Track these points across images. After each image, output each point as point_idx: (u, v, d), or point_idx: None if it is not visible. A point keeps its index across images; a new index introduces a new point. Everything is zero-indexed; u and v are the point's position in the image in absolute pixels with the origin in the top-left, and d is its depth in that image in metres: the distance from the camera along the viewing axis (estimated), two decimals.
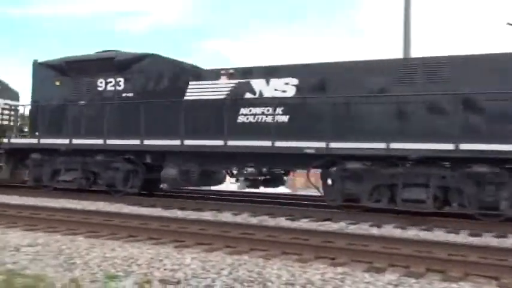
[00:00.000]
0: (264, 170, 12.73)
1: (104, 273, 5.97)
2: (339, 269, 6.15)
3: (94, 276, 5.87)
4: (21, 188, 15.84)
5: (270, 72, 12.48)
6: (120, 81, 14.34)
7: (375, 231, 9.56)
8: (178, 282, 5.62)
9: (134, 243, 7.80)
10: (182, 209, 12.20)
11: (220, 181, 15.05)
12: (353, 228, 9.82)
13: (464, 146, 9.93)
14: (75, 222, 9.51)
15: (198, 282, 5.60)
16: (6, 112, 16.89)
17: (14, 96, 17.57)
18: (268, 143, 11.69)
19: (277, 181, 13.63)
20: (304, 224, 10.37)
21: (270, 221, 10.57)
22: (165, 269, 6.15)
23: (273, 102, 12.11)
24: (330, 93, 11.60)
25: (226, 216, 11.21)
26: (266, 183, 13.21)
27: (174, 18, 55.19)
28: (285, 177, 14.32)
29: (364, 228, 9.90)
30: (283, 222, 10.54)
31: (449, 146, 10.05)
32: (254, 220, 10.78)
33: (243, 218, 11.14)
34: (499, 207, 9.89)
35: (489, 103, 10.17)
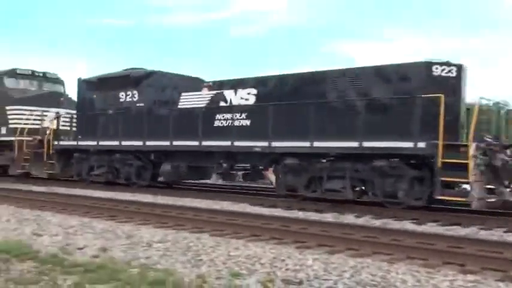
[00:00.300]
0: (239, 165, 15.58)
1: (228, 270, 6.19)
2: (469, 277, 5.79)
3: (219, 273, 6.10)
4: (155, 187, 16.97)
5: (237, 84, 14.96)
6: (135, 93, 17.43)
7: (511, 238, 8.85)
8: (300, 283, 5.65)
9: (257, 242, 7.99)
10: (302, 210, 12.26)
11: (208, 176, 18.06)
12: (484, 234, 9.19)
13: (366, 144, 11.88)
14: (201, 220, 9.96)
15: (320, 284, 5.59)
16: (67, 119, 20.09)
17: (74, 105, 20.52)
18: (228, 143, 14.36)
19: (255, 175, 16.01)
20: (430, 228, 9.91)
21: (395, 224, 10.26)
22: (287, 269, 6.22)
23: (239, 109, 14.58)
24: (277, 100, 13.79)
25: (348, 218, 11.06)
26: (245, 177, 16.08)
27: (291, 19, 55.49)
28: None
29: (497, 234, 9.22)
30: (407, 225, 10.17)
31: (355, 144, 12.01)
32: (377, 222, 10.52)
33: (366, 220, 10.92)
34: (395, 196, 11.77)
35: (389, 106, 12.05)
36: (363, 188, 12.78)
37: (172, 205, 12.40)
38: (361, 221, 10.82)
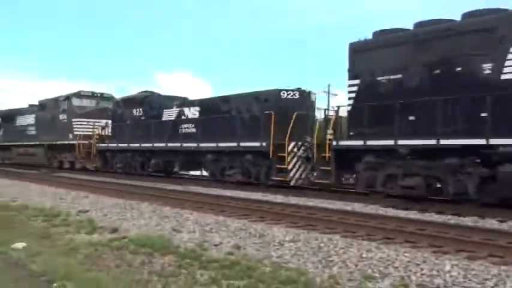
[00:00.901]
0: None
1: (360, 273, 6.12)
2: None
3: (351, 275, 6.06)
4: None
5: (190, 104, 21.93)
6: (140, 110, 24.38)
7: None
8: None
9: (390, 245, 7.79)
10: (440, 213, 11.67)
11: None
12: None
13: (241, 143, 18.27)
14: (333, 221, 9.94)
15: None
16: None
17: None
18: (178, 144, 21.19)
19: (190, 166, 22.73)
20: None
21: None
22: (422, 274, 6.01)
23: (190, 120, 21.15)
24: (206, 115, 20.53)
25: (491, 223, 10.31)
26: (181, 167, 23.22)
27: None
28: None
29: None
30: None
31: (234, 144, 18.54)
32: None
33: (511, 225, 10.09)
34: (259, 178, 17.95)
35: (252, 119, 18.50)
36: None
37: (303, 205, 12.52)
38: (505, 226, 10.02)
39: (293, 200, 14.21)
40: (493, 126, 11.31)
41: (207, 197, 14.37)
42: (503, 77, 11.39)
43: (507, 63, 11.35)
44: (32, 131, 32.63)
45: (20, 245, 7.82)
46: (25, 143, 32.74)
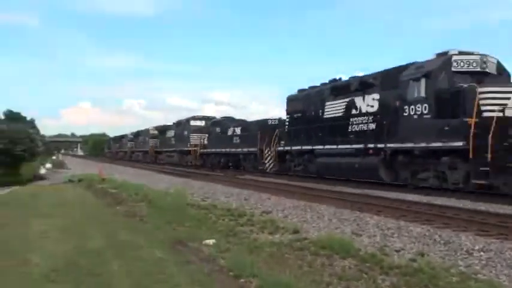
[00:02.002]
0: None
1: None
2: None
3: None
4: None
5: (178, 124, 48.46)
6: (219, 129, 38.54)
7: None
8: None
9: None
10: None
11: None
12: None
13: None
14: None
15: None
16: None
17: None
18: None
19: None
20: None
21: None
22: None
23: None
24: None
25: None
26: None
27: None
28: None
29: None
30: None
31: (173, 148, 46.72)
32: None
33: None
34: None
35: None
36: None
37: (494, 212, 11.52)
38: None
39: (483, 206, 13.16)
40: (318, 140, 22.82)
41: (387, 201, 14.03)
42: (324, 116, 22.61)
43: (325, 110, 22.50)
44: (172, 141, 48.67)
45: (210, 241, 8.52)
46: (169, 149, 49.30)
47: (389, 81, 18.08)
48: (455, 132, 14.71)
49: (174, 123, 51.39)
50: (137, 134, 66.37)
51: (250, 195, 16.37)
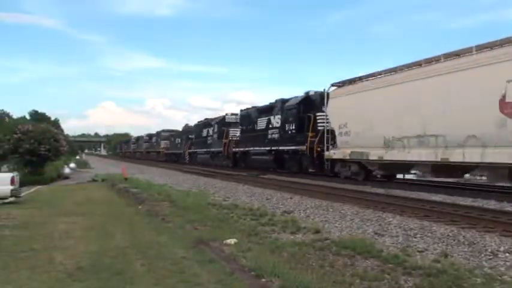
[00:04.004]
0: None
1: None
2: None
3: None
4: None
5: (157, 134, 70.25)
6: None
7: None
8: None
9: None
10: None
11: None
12: None
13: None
14: None
15: None
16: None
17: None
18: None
19: None
20: None
21: None
22: None
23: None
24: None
25: None
26: None
27: None
28: None
29: None
30: None
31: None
32: None
33: None
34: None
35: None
36: None
37: None
38: None
39: (509, 207, 12.94)
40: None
41: (410, 201, 13.91)
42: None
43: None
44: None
45: (232, 240, 8.57)
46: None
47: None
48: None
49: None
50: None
51: (272, 195, 16.40)
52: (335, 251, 7.80)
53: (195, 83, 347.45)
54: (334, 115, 22.12)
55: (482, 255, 7.33)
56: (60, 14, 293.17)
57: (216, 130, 41.20)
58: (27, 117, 75.30)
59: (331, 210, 12.75)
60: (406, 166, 18.72)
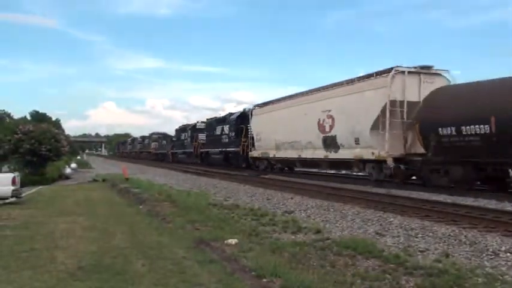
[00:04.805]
0: None
1: None
2: None
3: None
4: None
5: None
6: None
7: None
8: None
9: None
10: None
11: None
12: None
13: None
14: None
15: None
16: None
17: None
18: None
19: None
20: None
21: None
22: None
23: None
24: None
25: None
26: None
27: None
28: None
29: None
30: None
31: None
32: None
33: None
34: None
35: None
36: None
37: None
38: None
39: (510, 207, 12.93)
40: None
41: (411, 201, 13.90)
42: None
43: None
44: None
45: (233, 241, 8.57)
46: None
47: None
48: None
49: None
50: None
51: (273, 195, 16.39)
52: (336, 251, 7.80)
53: (195, 83, 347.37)
54: (254, 127, 31.97)
55: (484, 255, 7.32)
56: (61, 14, 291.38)
57: (189, 135, 49.77)
58: (28, 117, 75.35)
59: (332, 210, 12.74)
60: (289, 161, 28.00)
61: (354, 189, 17.99)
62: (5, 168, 21.76)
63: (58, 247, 8.66)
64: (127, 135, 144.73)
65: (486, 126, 14.65)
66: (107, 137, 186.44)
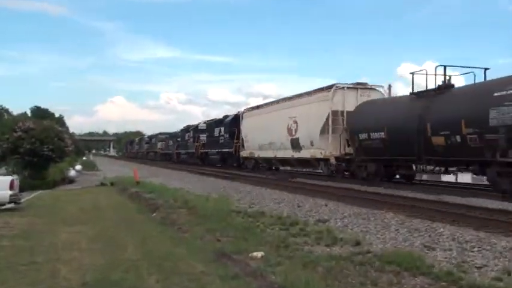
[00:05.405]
0: None
1: None
2: None
3: None
4: None
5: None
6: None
7: None
8: None
9: None
10: None
11: None
12: None
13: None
14: None
15: None
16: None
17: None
18: None
19: None
20: None
21: None
22: None
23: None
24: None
25: None
26: None
27: None
28: None
29: None
30: None
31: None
32: None
33: None
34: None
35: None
36: None
37: None
38: None
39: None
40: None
41: (463, 208, 13.63)
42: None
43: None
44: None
45: (258, 253, 8.51)
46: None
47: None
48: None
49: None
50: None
51: (304, 201, 16.27)
52: (378, 266, 7.66)
53: (215, 74, 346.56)
54: (243, 129, 38.73)
55: None
56: (67, 0, 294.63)
57: (192, 135, 56.04)
58: (29, 113, 76.62)
59: (372, 218, 12.58)
60: (269, 160, 35.31)
61: (395, 194, 17.84)
62: (1, 170, 22.01)
63: (60, 260, 8.72)
64: (138, 133, 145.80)
65: (381, 133, 21.73)
66: (116, 135, 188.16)
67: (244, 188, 22.19)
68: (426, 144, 19.13)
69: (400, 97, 23.89)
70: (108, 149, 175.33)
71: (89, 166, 58.53)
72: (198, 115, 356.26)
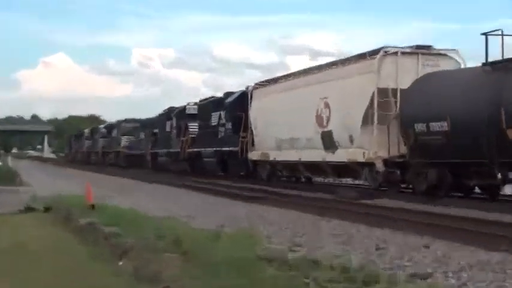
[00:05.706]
0: None
1: None
2: None
3: None
4: None
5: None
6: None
7: None
8: None
9: None
10: None
11: None
12: None
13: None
14: None
15: None
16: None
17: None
18: None
19: None
20: None
21: None
22: None
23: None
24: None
25: None
26: None
27: None
28: None
29: None
30: None
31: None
32: None
33: None
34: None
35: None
36: None
37: None
38: None
39: None
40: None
41: None
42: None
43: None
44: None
45: None
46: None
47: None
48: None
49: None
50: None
51: (388, 240, 11.53)
52: None
53: (225, 16, 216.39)
54: (253, 115, 29.03)
55: None
56: None
57: (175, 124, 40.82)
58: None
59: (510, 271, 8.35)
60: (292, 166, 27.06)
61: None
62: None
63: None
64: (92, 119, 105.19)
65: (444, 123, 16.24)
66: (53, 122, 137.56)
67: (278, 216, 15.59)
68: (500, 140, 14.79)
69: (469, 69, 18.29)
70: (40, 147, 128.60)
71: (4, 177, 39.59)
72: (199, 87, 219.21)
